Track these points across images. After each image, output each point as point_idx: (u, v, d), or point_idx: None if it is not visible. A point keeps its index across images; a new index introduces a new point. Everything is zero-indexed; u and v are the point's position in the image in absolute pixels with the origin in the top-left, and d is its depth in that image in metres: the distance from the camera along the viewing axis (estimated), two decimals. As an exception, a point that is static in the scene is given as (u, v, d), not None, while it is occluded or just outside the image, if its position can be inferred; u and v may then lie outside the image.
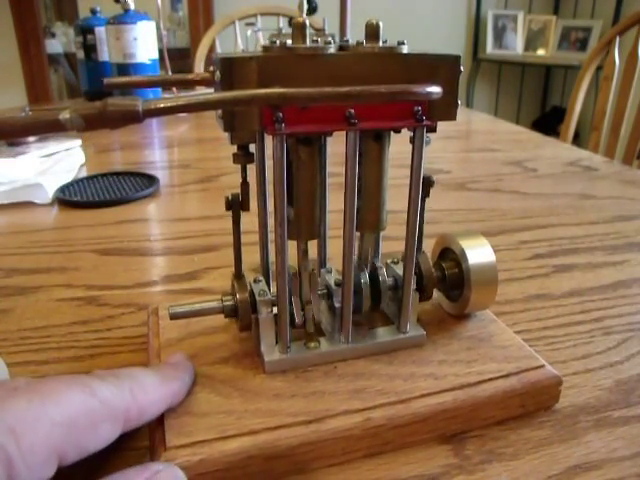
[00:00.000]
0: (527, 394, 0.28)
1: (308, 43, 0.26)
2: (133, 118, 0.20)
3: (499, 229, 0.54)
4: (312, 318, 0.31)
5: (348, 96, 0.23)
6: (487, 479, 0.25)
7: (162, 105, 0.21)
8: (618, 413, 0.29)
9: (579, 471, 0.25)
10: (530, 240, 0.51)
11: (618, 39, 1.16)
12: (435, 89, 0.25)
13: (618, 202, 0.63)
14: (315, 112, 0.25)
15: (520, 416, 0.29)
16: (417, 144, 0.27)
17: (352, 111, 0.25)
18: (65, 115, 0.19)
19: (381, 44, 0.27)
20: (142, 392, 0.24)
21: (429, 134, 0.28)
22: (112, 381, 0.23)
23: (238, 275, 0.31)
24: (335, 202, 0.31)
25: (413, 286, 0.31)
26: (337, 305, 0.30)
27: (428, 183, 0.31)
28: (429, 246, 0.33)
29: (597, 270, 0.45)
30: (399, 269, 0.32)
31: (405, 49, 0.26)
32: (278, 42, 0.25)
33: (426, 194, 0.31)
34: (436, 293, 0.34)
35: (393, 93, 0.24)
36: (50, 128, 0.19)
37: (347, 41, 0.27)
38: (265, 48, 0.25)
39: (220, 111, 0.25)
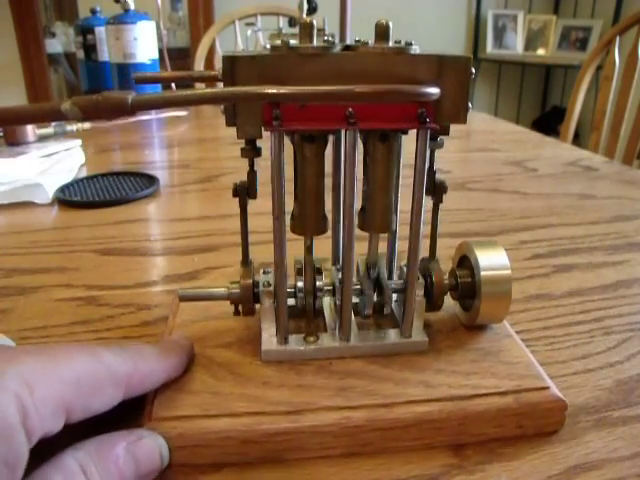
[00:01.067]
0: (525, 415, 0.27)
1: (315, 43, 0.26)
2: (123, 110, 0.21)
3: (499, 229, 0.54)
4: (313, 313, 0.31)
5: (331, 95, 0.23)
6: (487, 479, 0.25)
7: (149, 99, 0.22)
8: (618, 413, 0.29)
9: (579, 471, 0.25)
10: (530, 240, 0.51)
11: (618, 39, 1.16)
12: (431, 90, 0.25)
13: (618, 202, 0.63)
14: (315, 110, 0.26)
15: (519, 437, 0.27)
16: (420, 146, 0.27)
17: (351, 110, 0.25)
18: (66, 106, 0.20)
19: (391, 44, 0.26)
20: (143, 362, 0.26)
21: (442, 136, 0.28)
22: (117, 350, 0.25)
23: (245, 261, 0.31)
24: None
25: (420, 292, 0.30)
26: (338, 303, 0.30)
27: (441, 188, 0.30)
28: (443, 247, 0.33)
29: (597, 270, 0.45)
30: None
31: (415, 49, 0.26)
32: (287, 42, 0.26)
33: (439, 200, 0.30)
34: (453, 302, 0.34)
35: (379, 93, 0.24)
36: (52, 117, 0.21)
37: (359, 41, 0.27)
38: (272, 48, 0.26)
39: (222, 106, 0.26)
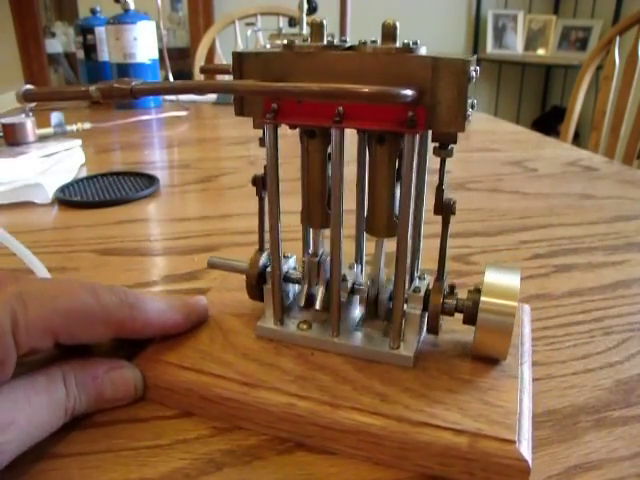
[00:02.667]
0: (475, 463, 0.24)
1: (325, 42, 0.26)
2: (127, 94, 0.25)
3: (499, 229, 0.54)
4: (312, 302, 0.32)
5: (292, 91, 0.24)
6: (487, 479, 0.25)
7: (147, 86, 0.26)
8: (618, 413, 0.29)
9: (579, 471, 0.25)
10: (530, 240, 0.51)
11: (618, 39, 1.16)
12: (403, 92, 0.23)
13: (618, 202, 0.63)
14: (310, 107, 0.26)
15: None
16: (407, 151, 0.26)
17: (340, 109, 0.26)
18: (92, 89, 0.26)
19: (398, 45, 0.25)
20: (142, 313, 0.28)
21: (452, 145, 0.27)
22: (118, 294, 0.28)
23: (261, 248, 0.33)
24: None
25: (418, 306, 0.29)
26: (342, 300, 0.31)
27: (448, 208, 0.28)
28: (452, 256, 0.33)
29: (597, 270, 0.45)
30: (422, 284, 0.30)
31: (421, 51, 0.25)
32: (297, 42, 0.27)
33: (447, 220, 0.28)
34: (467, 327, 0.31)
35: (325, 92, 0.23)
36: (80, 97, 0.27)
37: (374, 41, 0.26)
38: (285, 46, 0.27)
39: (232, 97, 0.29)
